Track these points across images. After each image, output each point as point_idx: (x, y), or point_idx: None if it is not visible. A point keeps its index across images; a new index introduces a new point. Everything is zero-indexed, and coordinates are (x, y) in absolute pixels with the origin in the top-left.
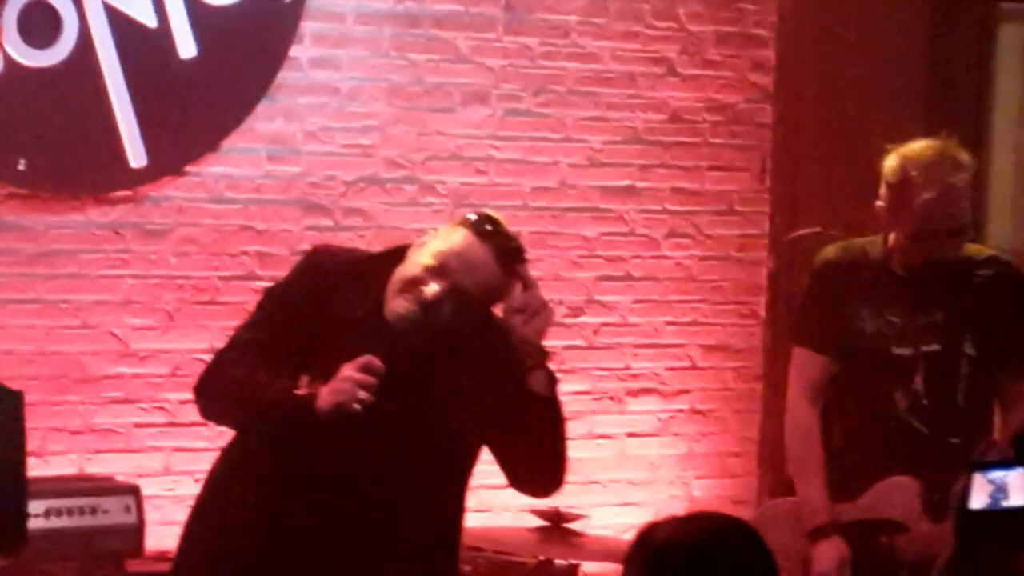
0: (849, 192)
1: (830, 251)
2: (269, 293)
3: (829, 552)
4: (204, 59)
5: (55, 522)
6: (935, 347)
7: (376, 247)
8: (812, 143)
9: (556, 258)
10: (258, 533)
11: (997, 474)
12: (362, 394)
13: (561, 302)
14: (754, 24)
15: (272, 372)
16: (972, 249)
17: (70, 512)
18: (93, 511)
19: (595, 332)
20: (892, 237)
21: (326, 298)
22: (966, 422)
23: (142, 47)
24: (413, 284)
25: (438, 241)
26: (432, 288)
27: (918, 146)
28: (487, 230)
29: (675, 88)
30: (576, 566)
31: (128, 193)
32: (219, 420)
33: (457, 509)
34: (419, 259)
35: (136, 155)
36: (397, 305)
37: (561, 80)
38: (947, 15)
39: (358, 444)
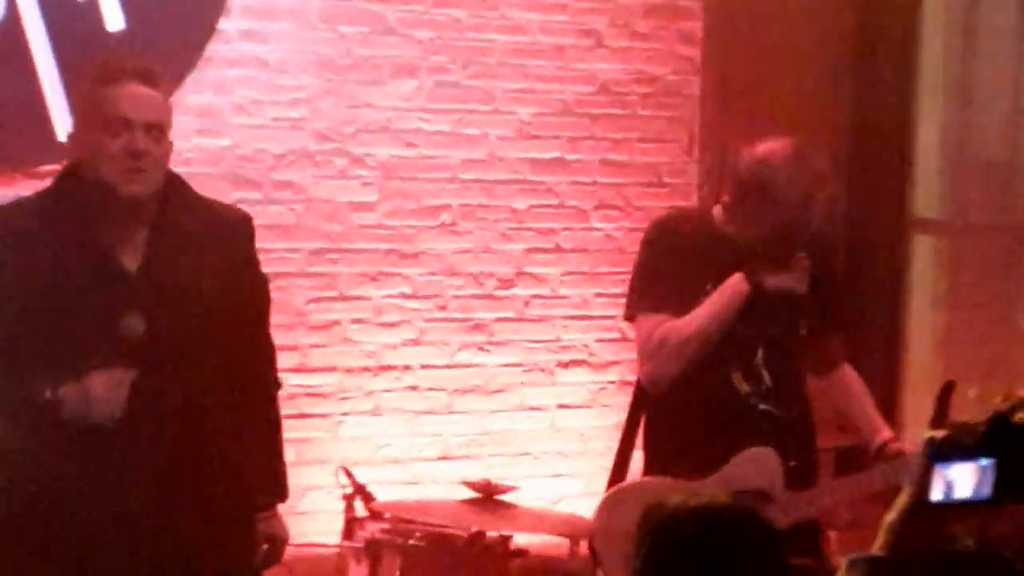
0: None
1: (666, 220)
2: None
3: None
4: (132, 32)
5: None
6: (775, 330)
7: (307, 221)
8: (740, 115)
9: (486, 230)
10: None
11: (955, 467)
12: (117, 412)
13: (491, 274)
14: None
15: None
16: None
17: None
18: None
19: (525, 304)
20: (722, 214)
21: (24, 263)
22: (799, 397)
23: (70, 20)
24: (128, 154)
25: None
26: (141, 143)
27: (777, 148)
28: (135, 68)
29: (603, 60)
30: (508, 537)
31: (57, 167)
32: None
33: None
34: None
35: (65, 129)
36: (128, 182)
37: (490, 52)
38: None
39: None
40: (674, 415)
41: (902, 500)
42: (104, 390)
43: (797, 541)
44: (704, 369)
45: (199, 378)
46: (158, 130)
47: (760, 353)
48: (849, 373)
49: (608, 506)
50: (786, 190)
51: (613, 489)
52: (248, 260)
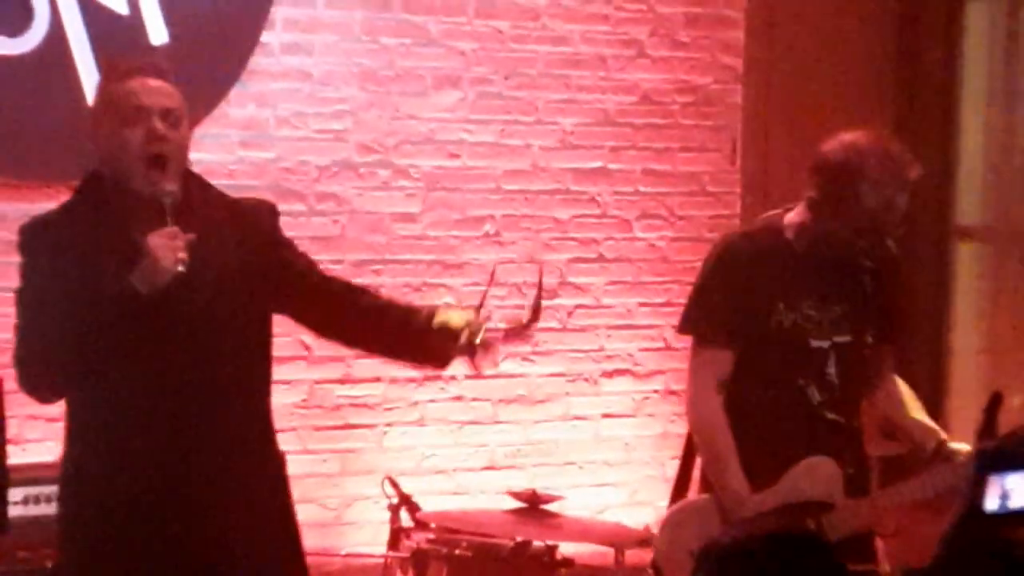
0: None
1: (735, 241)
2: (22, 292)
3: None
4: (175, 45)
5: (33, 509)
6: (847, 338)
7: (350, 233)
8: (782, 123)
9: (529, 240)
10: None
11: (1011, 476)
12: (181, 254)
13: (535, 285)
14: (723, 5)
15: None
16: None
17: (48, 499)
18: None
19: (569, 314)
20: (794, 219)
21: (59, 261)
22: (861, 405)
23: (113, 34)
24: (148, 141)
25: (123, 98)
26: (159, 127)
27: (864, 136)
28: (144, 64)
29: (645, 70)
30: (553, 547)
31: None
32: (49, 368)
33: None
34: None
35: None
36: (151, 170)
37: (532, 63)
38: None
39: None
40: (740, 426)
41: (956, 511)
42: (160, 241)
43: (855, 547)
44: (777, 380)
45: (237, 361)
46: (174, 117)
47: (832, 362)
48: (897, 381)
49: (671, 524)
50: (879, 172)
51: (675, 507)
52: (276, 240)
